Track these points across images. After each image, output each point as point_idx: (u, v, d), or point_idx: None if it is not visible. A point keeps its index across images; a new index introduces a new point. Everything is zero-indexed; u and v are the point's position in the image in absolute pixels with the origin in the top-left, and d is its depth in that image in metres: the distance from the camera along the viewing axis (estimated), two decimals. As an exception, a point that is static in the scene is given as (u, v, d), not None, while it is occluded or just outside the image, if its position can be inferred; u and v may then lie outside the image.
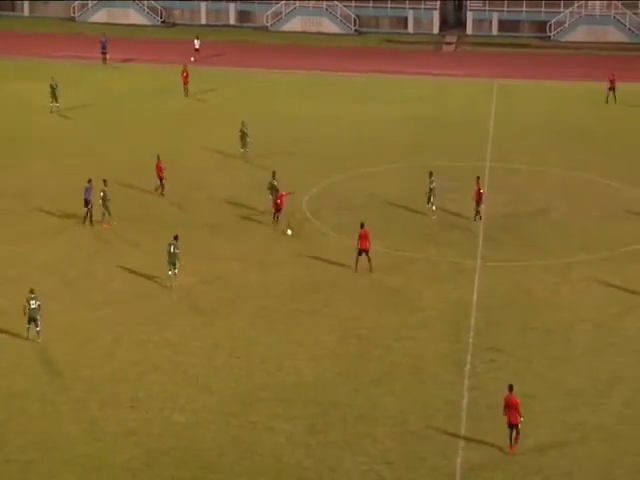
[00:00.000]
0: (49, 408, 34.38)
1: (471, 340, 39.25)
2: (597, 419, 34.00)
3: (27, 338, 38.69)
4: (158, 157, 54.42)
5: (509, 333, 39.93)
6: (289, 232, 47.42)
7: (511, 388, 32.20)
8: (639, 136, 66.67)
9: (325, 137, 65.24)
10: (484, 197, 51.20)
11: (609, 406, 34.84)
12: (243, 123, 60.77)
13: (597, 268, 45.80)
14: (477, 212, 50.97)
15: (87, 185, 50.08)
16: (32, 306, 38.61)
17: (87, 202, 49.83)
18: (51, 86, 69.27)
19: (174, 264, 43.17)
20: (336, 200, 54.28)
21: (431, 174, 51.85)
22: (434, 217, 51.23)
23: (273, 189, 51.06)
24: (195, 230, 48.58)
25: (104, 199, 49.64)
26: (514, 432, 31.92)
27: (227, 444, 32.40)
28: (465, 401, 35.00)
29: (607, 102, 73.92)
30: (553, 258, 47.08)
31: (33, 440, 32.52)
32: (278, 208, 49.21)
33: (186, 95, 74.48)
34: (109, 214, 49.91)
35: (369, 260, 44.90)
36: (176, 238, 43.71)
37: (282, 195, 49.08)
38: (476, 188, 50.79)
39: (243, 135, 60.51)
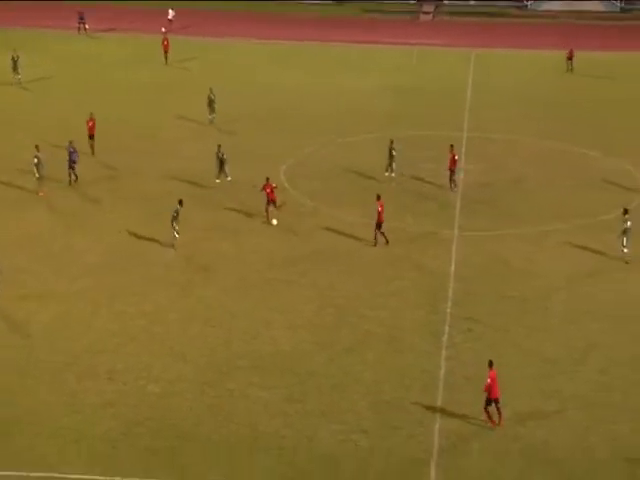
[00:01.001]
0: (28, 380, 34.27)
1: (448, 310, 39.33)
2: (573, 387, 34.18)
3: None
4: (91, 114, 55.20)
5: (486, 303, 40.02)
6: (274, 222, 46.79)
7: (491, 364, 32.10)
8: (613, 106, 66.86)
9: (303, 107, 65.14)
10: (458, 165, 51.39)
11: (585, 374, 35.03)
12: (211, 90, 61.25)
13: (572, 236, 45.96)
14: (453, 181, 51.15)
15: (70, 148, 50.84)
16: None
17: (72, 164, 50.68)
18: (12, 58, 69.04)
19: (174, 225, 43.97)
20: (313, 170, 54.26)
21: (392, 141, 52.19)
22: (394, 184, 51.45)
23: (220, 161, 51.26)
24: (172, 201, 48.33)
25: (37, 165, 49.70)
26: (496, 406, 31.85)
27: (203, 413, 32.42)
28: (442, 371, 35.05)
29: (568, 70, 74.62)
30: (529, 227, 47.22)
31: (12, 413, 32.40)
32: (271, 200, 46.98)
33: (166, 63, 75.03)
34: (40, 180, 50.15)
35: (383, 233, 44.79)
36: (181, 203, 44.36)
37: (271, 187, 46.99)
38: (450, 156, 50.93)
39: (210, 102, 61.06)
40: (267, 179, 47.41)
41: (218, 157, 51.48)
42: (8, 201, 49.41)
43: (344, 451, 30.69)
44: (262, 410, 32.62)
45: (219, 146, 51.67)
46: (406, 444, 31.11)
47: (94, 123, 55.23)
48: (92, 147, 55.22)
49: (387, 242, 44.66)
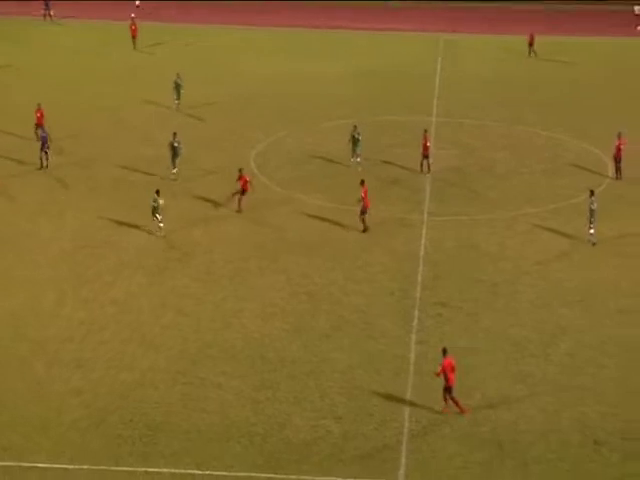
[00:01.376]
0: (-6, 370, 34.13)
1: (419, 294, 39.39)
2: (542, 370, 34.30)
3: None
4: (39, 105, 54.40)
5: (456, 287, 40.10)
6: (161, 202, 46.11)
7: (445, 351, 32.02)
8: (580, 90, 67.19)
9: (271, 93, 64.98)
10: (431, 150, 51.52)
11: (554, 357, 35.16)
12: (178, 75, 61.27)
13: (542, 221, 46.12)
14: (427, 165, 51.22)
15: (42, 133, 51.06)
16: None
17: (43, 146, 50.72)
18: None
19: (156, 216, 43.81)
20: (282, 156, 54.17)
21: (355, 127, 52.11)
22: (360, 169, 51.20)
23: (173, 150, 50.11)
24: (139, 189, 48.16)
25: None
26: (450, 395, 31.84)
27: (175, 402, 32.30)
28: (413, 355, 35.14)
29: (530, 56, 74.99)
30: (499, 211, 47.32)
31: (-22, 402, 32.29)
32: (244, 190, 46.45)
33: (134, 48, 74.95)
34: None
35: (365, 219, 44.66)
36: (158, 193, 43.95)
37: (245, 179, 46.43)
38: (423, 142, 51.01)
39: (177, 86, 60.99)
40: (240, 170, 47.01)
41: (172, 146, 50.17)
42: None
43: (316, 437, 30.68)
44: (233, 398, 32.54)
45: (174, 134, 50.61)
46: (378, 429, 31.14)
47: (42, 114, 54.50)
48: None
49: (364, 230, 44.48)
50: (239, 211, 46.40)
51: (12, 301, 38.56)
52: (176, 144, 50.24)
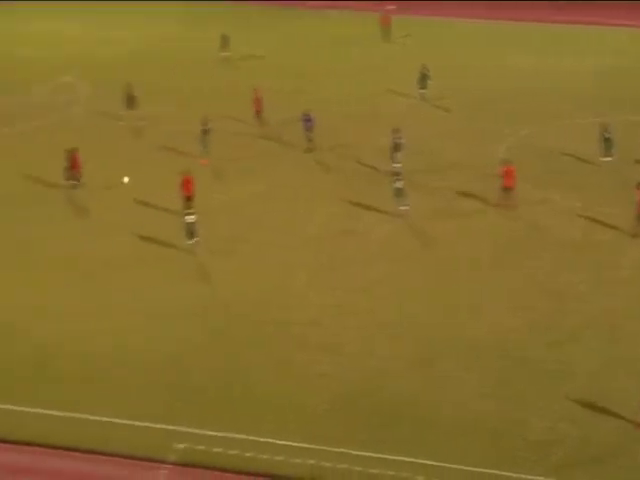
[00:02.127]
0: (239, 348, 35.23)
1: (672, 301, 38.29)
2: None
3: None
4: (256, 91, 56.82)
5: None
6: (126, 179, 45.52)
7: None
8: None
9: (523, 88, 64.24)
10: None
11: None
12: (424, 66, 61.73)
13: None
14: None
15: (308, 115, 52.84)
16: (189, 221, 41.79)
17: (309, 131, 52.87)
18: (223, 36, 70.38)
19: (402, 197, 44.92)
20: (530, 152, 53.48)
21: (605, 125, 50.97)
22: (611, 169, 49.96)
23: (394, 146, 49.93)
24: (386, 179, 48.38)
25: (205, 133, 51.56)
26: None
27: (416, 392, 32.61)
28: (659, 365, 34.30)
29: None
30: None
31: (214, 376, 33.46)
32: (508, 185, 45.65)
33: (386, 40, 75.56)
34: (206, 149, 51.55)
35: None
36: (398, 174, 45.29)
37: (511, 170, 45.66)
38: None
39: (423, 77, 61.55)
40: (506, 162, 46.61)
41: (394, 142, 50.17)
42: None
43: (554, 439, 30.38)
44: (473, 393, 32.60)
45: (397, 130, 50.48)
46: (615, 436, 30.50)
47: (259, 98, 56.53)
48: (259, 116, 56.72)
49: None
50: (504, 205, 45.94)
51: (263, 281, 39.79)
52: (398, 139, 50.22)
